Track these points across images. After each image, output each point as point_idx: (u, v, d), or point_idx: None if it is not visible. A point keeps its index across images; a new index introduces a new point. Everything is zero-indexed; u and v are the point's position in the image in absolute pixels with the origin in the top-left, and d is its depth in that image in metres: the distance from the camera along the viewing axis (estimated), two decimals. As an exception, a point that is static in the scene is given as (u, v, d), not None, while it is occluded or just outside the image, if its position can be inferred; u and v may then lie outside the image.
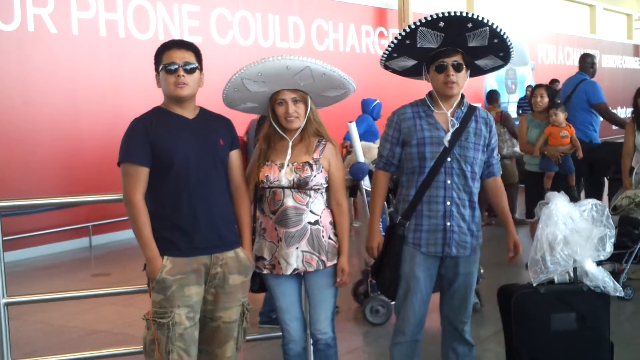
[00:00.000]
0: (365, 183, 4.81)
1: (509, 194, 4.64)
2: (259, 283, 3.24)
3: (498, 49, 3.19)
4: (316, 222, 3.14)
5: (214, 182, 2.97)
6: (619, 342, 3.73)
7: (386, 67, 3.32)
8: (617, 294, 3.43)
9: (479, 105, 3.39)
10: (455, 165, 3.16)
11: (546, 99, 6.16)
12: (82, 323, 5.30)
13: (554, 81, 12.58)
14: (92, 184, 8.15)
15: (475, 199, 3.24)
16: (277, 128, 3.19)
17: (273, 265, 3.16)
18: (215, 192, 2.97)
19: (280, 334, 3.31)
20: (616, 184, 6.38)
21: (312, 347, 3.36)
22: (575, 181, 6.25)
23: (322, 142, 3.21)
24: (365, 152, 5.06)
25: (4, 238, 3.33)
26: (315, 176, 3.12)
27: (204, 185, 2.94)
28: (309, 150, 3.16)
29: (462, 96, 3.22)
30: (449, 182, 3.15)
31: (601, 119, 7.37)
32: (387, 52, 3.20)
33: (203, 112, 3.04)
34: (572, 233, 3.35)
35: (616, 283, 3.41)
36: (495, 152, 3.34)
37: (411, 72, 3.32)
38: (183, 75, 2.87)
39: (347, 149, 7.38)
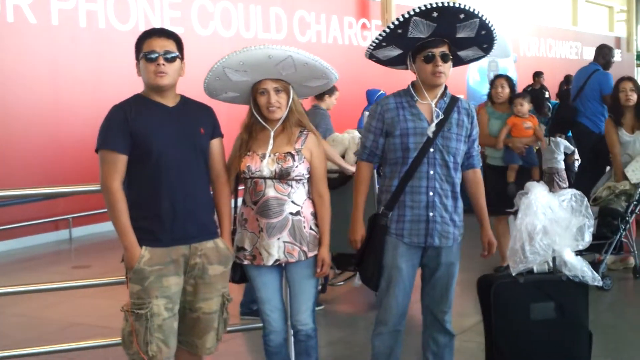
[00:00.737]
0: None
1: None
2: (240, 273, 3.23)
3: (483, 41, 3.20)
4: (298, 213, 3.13)
5: (194, 171, 2.94)
6: (598, 332, 3.76)
7: (371, 57, 3.31)
8: (596, 284, 3.44)
9: (461, 96, 3.39)
10: (438, 155, 3.16)
11: (507, 90, 5.87)
12: (61, 315, 5.26)
13: (568, 77, 12.41)
14: (72, 176, 8.05)
15: (458, 189, 3.24)
16: (259, 118, 3.17)
17: (254, 256, 3.15)
18: (194, 181, 2.94)
19: (261, 325, 3.30)
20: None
21: (292, 338, 3.36)
22: (539, 175, 6.03)
23: (304, 132, 3.20)
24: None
25: (-17, 230, 3.29)
26: (297, 167, 3.11)
27: (184, 174, 2.90)
28: (290, 141, 3.15)
29: (445, 87, 3.22)
30: (431, 172, 3.16)
31: None
32: (377, 40, 3.17)
33: (184, 100, 3.01)
34: (551, 223, 3.37)
35: (595, 273, 3.42)
36: (476, 143, 3.34)
37: (395, 62, 3.31)
38: (163, 64, 2.84)
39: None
